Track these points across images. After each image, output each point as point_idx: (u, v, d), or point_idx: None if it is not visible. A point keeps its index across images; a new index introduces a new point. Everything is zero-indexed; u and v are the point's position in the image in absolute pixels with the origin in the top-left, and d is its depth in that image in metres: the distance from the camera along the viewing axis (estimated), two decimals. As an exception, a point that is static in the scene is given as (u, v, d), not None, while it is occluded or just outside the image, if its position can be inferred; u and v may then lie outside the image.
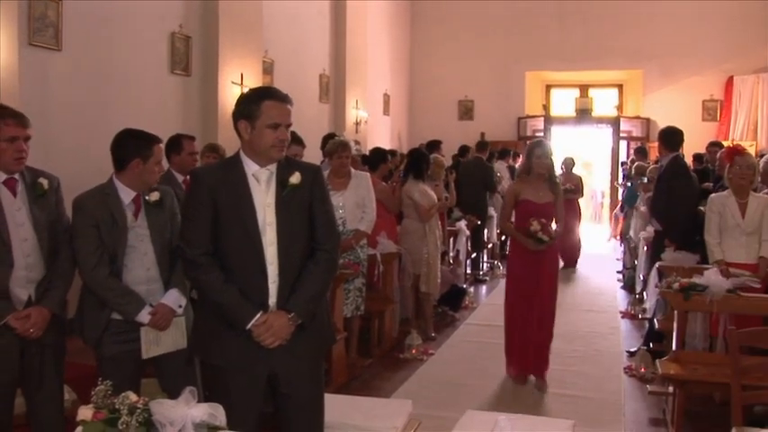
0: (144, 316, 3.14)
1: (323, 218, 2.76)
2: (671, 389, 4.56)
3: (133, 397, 1.85)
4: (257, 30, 8.91)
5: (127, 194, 3.21)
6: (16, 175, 3.08)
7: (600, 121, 16.02)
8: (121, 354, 3.17)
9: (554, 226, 5.20)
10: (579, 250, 11.03)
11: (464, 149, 11.26)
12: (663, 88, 15.18)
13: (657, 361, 4.48)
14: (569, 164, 10.92)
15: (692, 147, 10.17)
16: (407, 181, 6.73)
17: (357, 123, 12.57)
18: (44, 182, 3.14)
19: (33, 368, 3.12)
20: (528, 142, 5.28)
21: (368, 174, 6.01)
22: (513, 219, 5.38)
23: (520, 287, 5.28)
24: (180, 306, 3.25)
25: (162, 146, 3.28)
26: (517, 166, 12.05)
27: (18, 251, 3.03)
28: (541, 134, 16.11)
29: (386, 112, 14.96)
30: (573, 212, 10.45)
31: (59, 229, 3.20)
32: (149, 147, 3.19)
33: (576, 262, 10.84)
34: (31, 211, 3.09)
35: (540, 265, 5.19)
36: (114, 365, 3.12)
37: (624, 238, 10.22)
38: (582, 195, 11.27)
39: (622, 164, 15.11)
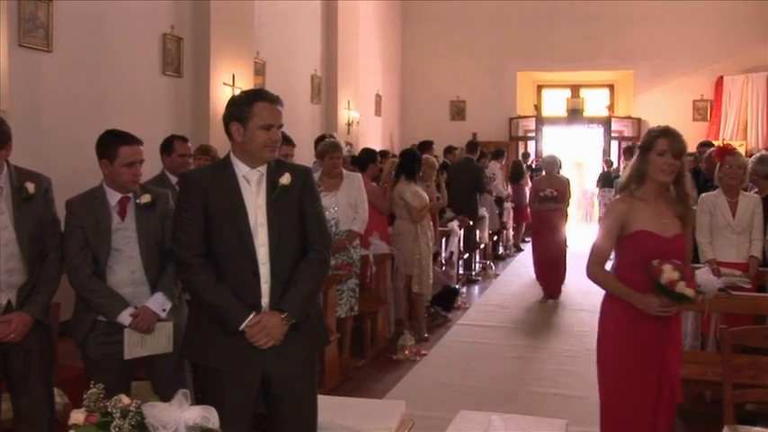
0: (125, 317, 3.11)
1: (314, 218, 2.77)
2: (663, 388, 4.56)
3: (126, 400, 1.84)
4: (249, 31, 8.90)
5: (113, 197, 3.19)
6: (2, 179, 3.02)
7: (591, 121, 16.11)
8: (106, 355, 3.15)
9: None
10: (563, 280, 8.57)
11: (448, 150, 11.13)
12: (654, 88, 15.27)
13: (649, 360, 4.49)
14: (552, 164, 8.48)
15: (682, 146, 10.19)
16: (399, 182, 6.73)
17: (349, 124, 12.56)
18: (30, 186, 3.07)
19: (18, 373, 3.08)
20: (647, 130, 3.18)
21: (360, 174, 6.02)
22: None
23: (633, 382, 3.06)
24: (164, 310, 3.21)
25: (140, 147, 3.21)
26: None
27: None
28: (533, 134, 16.20)
29: (378, 112, 14.96)
30: (557, 230, 8.29)
31: (47, 232, 3.14)
32: (115, 148, 3.13)
33: (560, 292, 8.53)
34: (15, 215, 3.02)
35: (664, 337, 3.08)
36: (99, 367, 3.11)
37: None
38: (568, 205, 8.74)
39: (605, 160, 15.12)
